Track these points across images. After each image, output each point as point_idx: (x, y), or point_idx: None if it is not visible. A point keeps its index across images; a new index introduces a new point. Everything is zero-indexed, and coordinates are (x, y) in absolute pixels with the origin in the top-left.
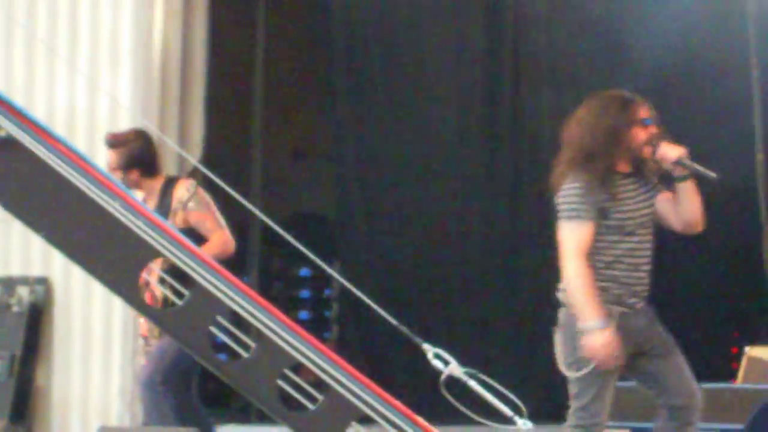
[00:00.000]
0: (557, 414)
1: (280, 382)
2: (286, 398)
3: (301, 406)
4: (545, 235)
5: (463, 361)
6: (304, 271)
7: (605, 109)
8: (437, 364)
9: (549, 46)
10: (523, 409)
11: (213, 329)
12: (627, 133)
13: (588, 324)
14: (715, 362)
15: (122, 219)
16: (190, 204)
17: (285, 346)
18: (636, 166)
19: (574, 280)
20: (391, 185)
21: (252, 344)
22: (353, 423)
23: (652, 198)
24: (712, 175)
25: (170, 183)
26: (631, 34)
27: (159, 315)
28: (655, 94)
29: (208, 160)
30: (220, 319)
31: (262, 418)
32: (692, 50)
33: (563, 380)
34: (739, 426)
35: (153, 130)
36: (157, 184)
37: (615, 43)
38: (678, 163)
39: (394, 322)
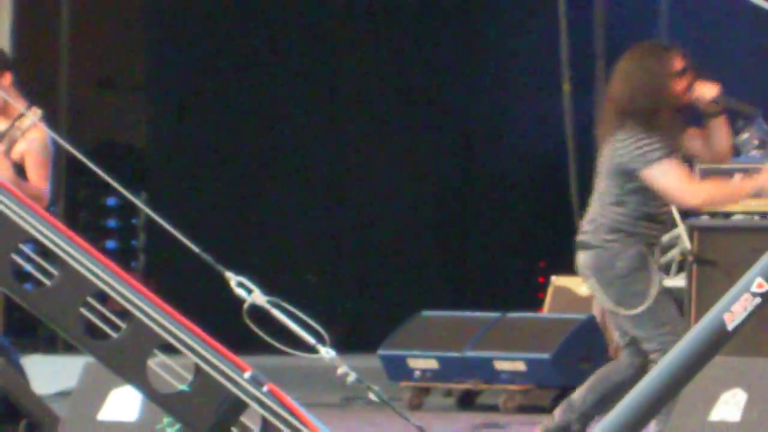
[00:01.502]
0: (363, 343)
1: (84, 311)
2: (92, 327)
3: (106, 335)
4: (366, 163)
5: (271, 292)
6: (111, 201)
7: (644, 64)
8: (240, 292)
9: None
10: (326, 337)
11: (16, 258)
12: (667, 88)
13: (750, 192)
14: (522, 292)
15: None
16: (31, 138)
17: (87, 274)
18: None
19: (705, 198)
20: (201, 115)
21: (55, 273)
22: (155, 351)
23: None
24: (751, 108)
25: (22, 115)
26: None
27: None
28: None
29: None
30: (22, 247)
31: (69, 348)
32: None
33: (370, 310)
34: (546, 355)
35: None
36: (14, 112)
37: None
38: (715, 101)
39: (197, 250)
